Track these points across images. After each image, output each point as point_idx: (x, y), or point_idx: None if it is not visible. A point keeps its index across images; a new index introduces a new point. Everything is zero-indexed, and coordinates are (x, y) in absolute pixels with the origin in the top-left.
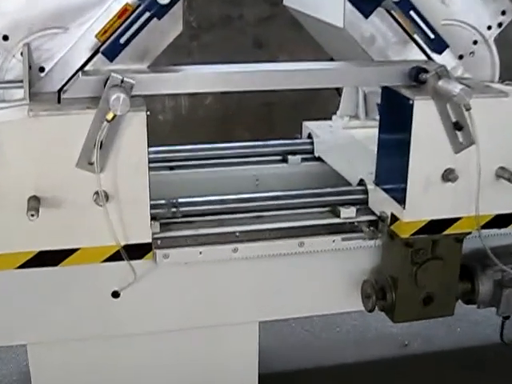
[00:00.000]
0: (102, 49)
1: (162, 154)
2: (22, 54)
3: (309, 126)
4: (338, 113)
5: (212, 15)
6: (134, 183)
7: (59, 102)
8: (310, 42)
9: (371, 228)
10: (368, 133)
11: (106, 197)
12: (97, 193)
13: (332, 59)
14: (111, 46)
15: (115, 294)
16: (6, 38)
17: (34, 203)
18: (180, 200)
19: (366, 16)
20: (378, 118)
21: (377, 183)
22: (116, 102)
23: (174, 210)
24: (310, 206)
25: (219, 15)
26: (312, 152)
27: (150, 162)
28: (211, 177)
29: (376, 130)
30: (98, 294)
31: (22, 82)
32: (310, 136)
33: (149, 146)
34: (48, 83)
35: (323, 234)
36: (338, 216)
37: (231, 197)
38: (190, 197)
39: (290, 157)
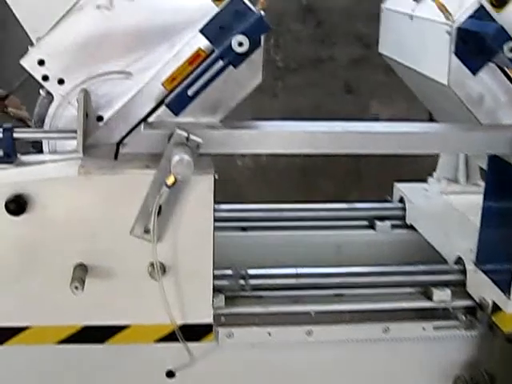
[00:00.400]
0: (166, 100)
1: (235, 213)
2: (77, 100)
3: (401, 188)
4: (435, 175)
5: (300, 55)
6: (196, 256)
7: (116, 157)
8: (405, 89)
9: (468, 317)
10: (469, 200)
11: (163, 269)
12: (152, 264)
13: (430, 115)
14: (177, 98)
15: (170, 374)
16: (61, 81)
17: (80, 273)
18: (250, 271)
19: (474, 72)
20: (480, 183)
21: (477, 263)
22: (178, 164)
23: (242, 282)
24: (398, 284)
25: (308, 55)
26: (403, 218)
27: (221, 221)
28: (287, 241)
29: (478, 198)
30: (149, 374)
31: (75, 132)
32: (401, 200)
33: (222, 201)
34: (106, 134)
35: (412, 319)
36: (430, 298)
37: (308, 270)
38: (260, 268)
39: (378, 222)
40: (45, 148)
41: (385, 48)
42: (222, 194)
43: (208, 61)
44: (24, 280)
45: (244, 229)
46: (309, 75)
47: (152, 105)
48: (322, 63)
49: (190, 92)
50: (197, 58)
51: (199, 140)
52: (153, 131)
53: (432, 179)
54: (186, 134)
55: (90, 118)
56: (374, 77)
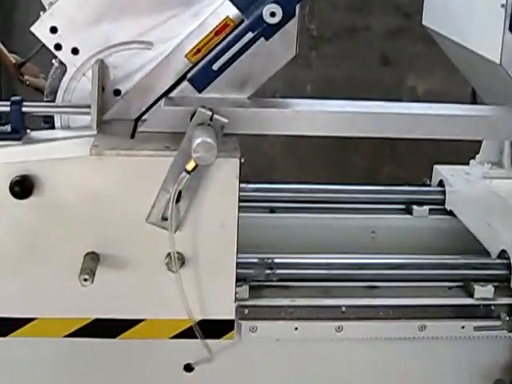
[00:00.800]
0: (189, 75)
1: (262, 193)
2: (93, 71)
3: (441, 171)
4: (478, 157)
5: (336, 24)
6: (218, 247)
7: (133, 135)
8: (444, 62)
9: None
10: None
11: (182, 261)
12: (170, 255)
13: (473, 92)
14: (201, 73)
15: (188, 368)
16: (75, 51)
17: (90, 263)
18: (277, 260)
19: None
20: None
21: None
22: (200, 148)
23: (268, 271)
24: (436, 278)
25: (343, 24)
26: (443, 203)
27: (247, 201)
28: (318, 224)
29: None
30: (166, 369)
31: (89, 107)
32: (441, 183)
33: (250, 179)
34: (124, 110)
35: (451, 317)
36: (471, 295)
37: (339, 260)
38: (288, 257)
39: (415, 207)
40: (57, 123)
41: (429, 20)
42: (251, 169)
43: (236, 32)
44: (30, 269)
45: (272, 210)
46: (344, 45)
47: (174, 79)
48: (358, 33)
49: (215, 66)
50: (224, 27)
51: (224, 120)
52: (174, 108)
53: (474, 162)
54: (209, 113)
55: (107, 91)
56: (411, 49)
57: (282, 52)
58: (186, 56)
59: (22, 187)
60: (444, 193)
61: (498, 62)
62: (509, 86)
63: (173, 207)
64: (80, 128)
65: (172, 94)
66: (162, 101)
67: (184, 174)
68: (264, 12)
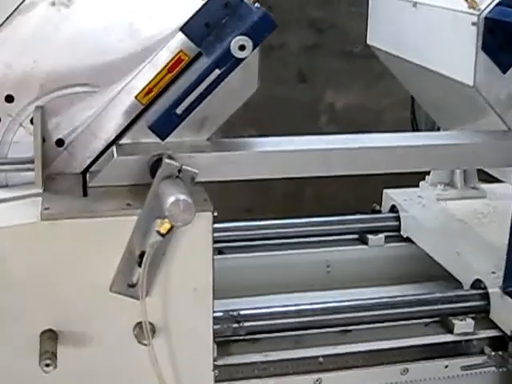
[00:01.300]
0: (149, 124)
1: None
2: (32, 121)
3: (391, 195)
4: (429, 179)
5: None
6: (191, 313)
7: (85, 192)
8: (361, 75)
9: (499, 353)
10: (469, 207)
11: (152, 331)
12: (139, 326)
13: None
14: (164, 119)
15: None
16: (10, 99)
17: (49, 344)
18: (243, 312)
19: (505, 71)
20: (478, 186)
21: (505, 287)
22: (174, 207)
23: (235, 325)
24: (412, 317)
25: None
26: (398, 230)
27: None
28: (270, 263)
29: (478, 203)
30: None
31: (31, 161)
32: (393, 209)
33: None
34: (69, 162)
35: (433, 357)
36: (450, 331)
37: (310, 306)
38: (255, 307)
39: (370, 236)
40: None
41: (376, 40)
42: None
43: (200, 70)
44: None
45: (220, 252)
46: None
47: (123, 124)
48: (274, 51)
49: (179, 110)
50: (178, 63)
51: (194, 171)
52: (130, 158)
53: (425, 184)
54: (177, 165)
55: (48, 142)
56: (328, 63)
57: (243, 87)
58: (136, 97)
59: None
60: (398, 219)
61: (470, 84)
62: (481, 109)
63: (144, 273)
64: (20, 186)
65: (122, 141)
66: (113, 150)
67: (157, 237)
68: (232, 45)
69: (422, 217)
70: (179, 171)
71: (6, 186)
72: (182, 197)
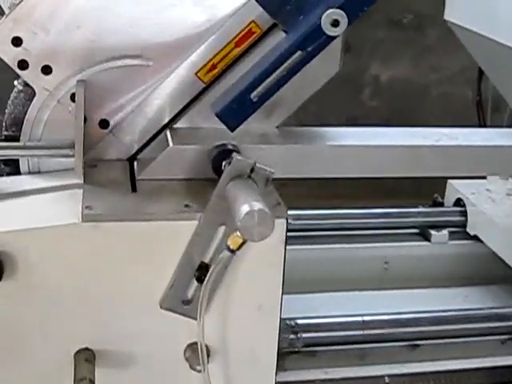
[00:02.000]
0: (216, 110)
1: None
2: (72, 98)
3: (457, 186)
4: None
5: None
6: (253, 335)
7: (134, 187)
8: (408, 47)
9: None
10: None
11: (207, 354)
12: (191, 348)
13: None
14: (235, 106)
15: None
16: (47, 70)
17: (86, 366)
18: (300, 321)
19: None
20: None
21: None
22: (249, 219)
23: (292, 336)
24: (488, 333)
25: None
26: (463, 226)
27: None
28: (325, 256)
29: None
30: None
31: (70, 146)
32: (458, 202)
33: None
34: (114, 147)
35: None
36: None
37: (377, 317)
38: (314, 316)
39: (433, 232)
40: (23, 167)
41: (456, 16)
42: None
43: (281, 48)
44: (2, 375)
45: None
46: None
47: (180, 104)
48: None
49: (254, 96)
50: (248, 36)
51: (270, 171)
52: (187, 147)
53: (494, 176)
54: (250, 163)
55: (90, 123)
56: (374, 34)
57: (323, 68)
58: (196, 74)
59: None
60: (465, 214)
61: None
62: None
63: (206, 291)
64: (55, 173)
65: (177, 125)
66: (167, 136)
67: (226, 252)
68: (323, 20)
69: (492, 213)
70: (251, 170)
71: (39, 172)
72: (258, 206)
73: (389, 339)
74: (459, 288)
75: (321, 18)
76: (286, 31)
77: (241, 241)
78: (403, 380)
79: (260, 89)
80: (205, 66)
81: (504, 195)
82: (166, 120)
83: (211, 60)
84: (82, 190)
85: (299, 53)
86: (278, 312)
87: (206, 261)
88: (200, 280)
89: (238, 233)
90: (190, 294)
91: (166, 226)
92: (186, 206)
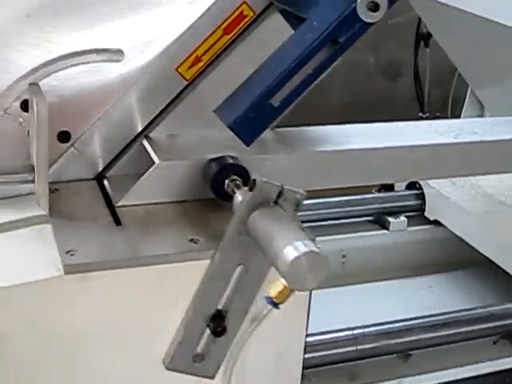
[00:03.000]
0: (228, 121)
1: None
2: (23, 106)
3: None
4: None
5: None
6: (273, 382)
7: (117, 219)
8: None
9: None
10: (506, 184)
11: None
12: None
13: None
14: (253, 115)
15: None
16: None
17: None
18: None
19: None
20: None
21: None
22: (298, 267)
23: None
24: (478, 335)
25: None
26: (420, 210)
27: None
28: None
29: None
30: None
31: (27, 169)
32: (412, 185)
33: None
34: (77, 163)
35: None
36: None
37: (369, 329)
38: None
39: (391, 219)
40: None
41: None
42: None
43: (307, 42)
44: None
45: None
46: None
47: (157, 108)
48: None
49: (275, 101)
50: (238, 20)
51: (301, 193)
52: (178, 162)
53: None
54: (278, 186)
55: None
56: None
57: None
58: (176, 70)
59: None
60: (421, 197)
61: None
62: None
63: (226, 348)
64: (8, 202)
65: (153, 133)
66: (143, 147)
67: (267, 306)
68: (359, 4)
69: (457, 197)
70: (279, 195)
71: None
72: (306, 247)
73: (381, 353)
74: (423, 277)
75: (356, 1)
76: (298, 17)
77: (288, 292)
78: None
79: (282, 92)
80: (187, 59)
81: (464, 177)
82: (140, 128)
83: (194, 52)
84: (48, 225)
85: (329, 45)
86: (301, 361)
87: (220, 308)
88: (217, 333)
89: (283, 281)
90: (200, 348)
91: (170, 270)
92: (192, 241)
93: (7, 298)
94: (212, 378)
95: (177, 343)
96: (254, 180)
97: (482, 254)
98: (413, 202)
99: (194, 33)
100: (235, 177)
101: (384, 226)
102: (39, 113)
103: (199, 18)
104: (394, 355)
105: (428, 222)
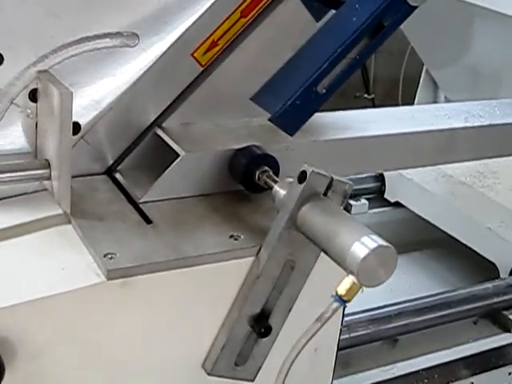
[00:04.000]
0: (272, 113)
1: None
2: (31, 96)
3: None
4: None
5: None
6: (309, 377)
7: (146, 217)
8: None
9: None
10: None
11: None
12: None
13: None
14: (300, 104)
15: None
16: None
17: None
18: None
19: None
20: None
21: None
22: (369, 262)
23: None
24: (457, 317)
25: None
26: (379, 192)
27: None
28: None
29: None
30: None
31: (43, 166)
32: None
33: None
34: (87, 157)
35: (496, 364)
36: (507, 329)
37: (357, 316)
38: None
39: (352, 202)
40: None
41: None
42: None
43: (354, 26)
44: None
45: None
46: None
47: (172, 96)
48: None
49: (321, 88)
50: (256, 2)
51: (349, 183)
52: (205, 154)
53: None
54: (327, 176)
55: None
56: None
57: None
58: (192, 55)
59: None
60: (379, 179)
61: None
62: None
63: (269, 351)
64: (13, 202)
65: (167, 123)
66: (160, 138)
67: (336, 304)
68: None
69: (419, 179)
70: (328, 186)
71: None
72: (375, 242)
73: (371, 340)
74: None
75: None
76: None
77: (357, 288)
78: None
79: (328, 78)
80: (203, 43)
81: None
82: (153, 117)
83: (211, 36)
84: (69, 226)
85: (374, 29)
86: (335, 355)
87: (264, 307)
88: (262, 334)
89: (352, 278)
90: (243, 350)
91: (213, 269)
92: (232, 237)
93: (43, 309)
94: (252, 380)
95: (220, 348)
96: (304, 171)
97: (444, 233)
98: (372, 185)
99: (210, 16)
100: (266, 168)
101: (346, 208)
102: (63, 104)
103: (216, 0)
104: (381, 342)
105: (388, 203)
